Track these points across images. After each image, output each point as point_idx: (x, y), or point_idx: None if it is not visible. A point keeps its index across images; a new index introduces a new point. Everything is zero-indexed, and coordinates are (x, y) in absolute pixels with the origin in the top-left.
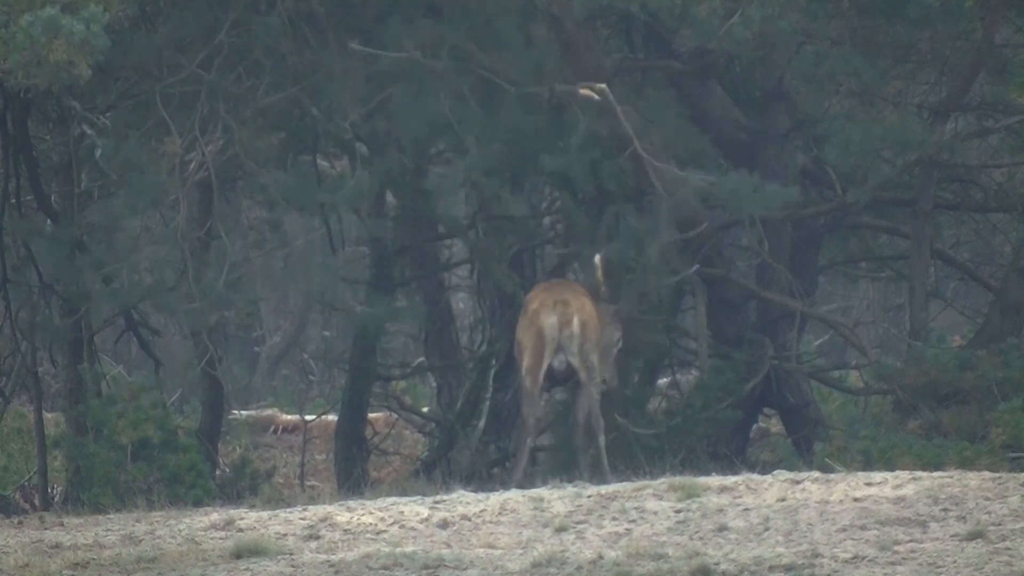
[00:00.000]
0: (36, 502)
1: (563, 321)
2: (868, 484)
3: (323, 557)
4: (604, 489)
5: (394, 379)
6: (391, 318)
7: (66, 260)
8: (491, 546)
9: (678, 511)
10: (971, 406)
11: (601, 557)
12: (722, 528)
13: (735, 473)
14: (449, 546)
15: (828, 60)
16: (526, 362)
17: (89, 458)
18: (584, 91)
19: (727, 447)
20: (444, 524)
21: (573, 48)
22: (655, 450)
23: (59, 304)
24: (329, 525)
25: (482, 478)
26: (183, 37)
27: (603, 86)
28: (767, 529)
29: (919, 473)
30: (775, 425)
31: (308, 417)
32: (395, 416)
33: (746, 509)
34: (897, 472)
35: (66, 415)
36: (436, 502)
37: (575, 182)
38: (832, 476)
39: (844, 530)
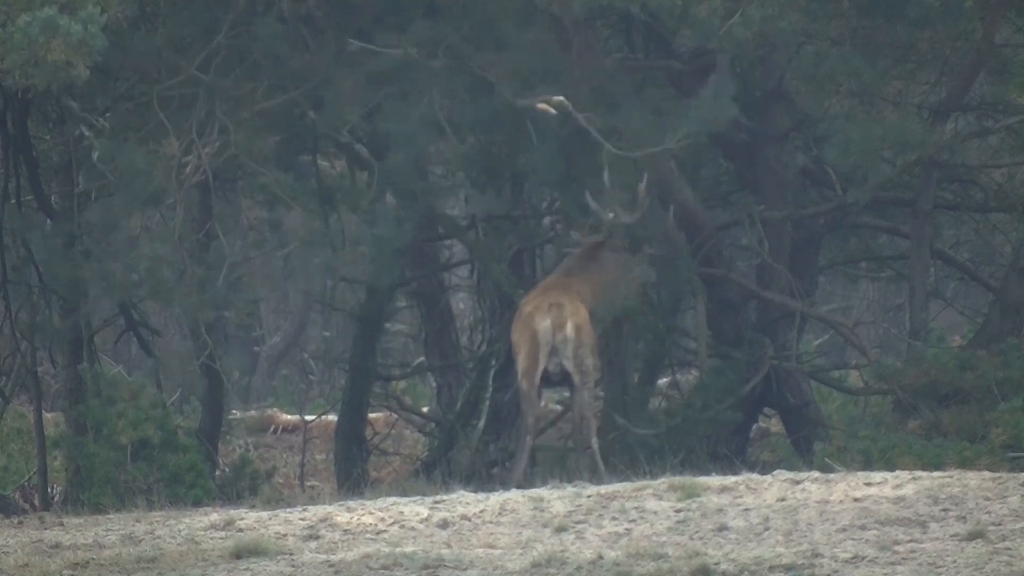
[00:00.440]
0: (36, 502)
1: (557, 325)
2: (868, 484)
3: (323, 557)
4: (604, 489)
5: (394, 379)
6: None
7: (65, 260)
8: (491, 546)
9: (678, 511)
10: (971, 406)
11: (601, 557)
12: (722, 528)
13: (735, 473)
14: (449, 546)
15: (828, 60)
16: (521, 365)
17: (89, 458)
18: (541, 105)
19: (727, 447)
20: (444, 524)
21: (573, 48)
22: (655, 450)
23: (59, 304)
24: (329, 525)
25: (482, 478)
26: (181, 38)
27: (561, 98)
28: (767, 529)
29: (919, 473)
30: (775, 425)
31: (308, 417)
32: (395, 416)
33: (746, 509)
34: (897, 472)
35: (66, 415)
36: (436, 502)
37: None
38: (832, 476)
39: (844, 530)
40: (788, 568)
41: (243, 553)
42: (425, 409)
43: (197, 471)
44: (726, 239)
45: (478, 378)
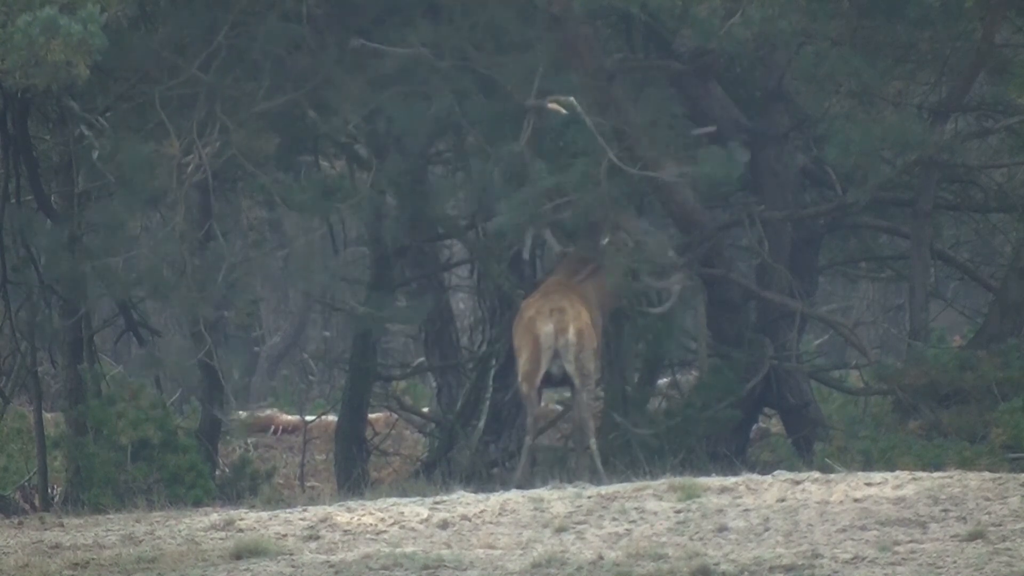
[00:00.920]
0: (36, 502)
1: (559, 329)
2: (868, 484)
3: (323, 557)
4: (604, 490)
5: (394, 379)
6: (391, 319)
7: (65, 260)
8: (491, 546)
9: (678, 511)
10: (971, 406)
11: (601, 557)
12: (722, 528)
13: (735, 473)
14: (449, 546)
15: (828, 60)
16: (523, 368)
17: (89, 458)
18: (552, 105)
19: (727, 447)
20: (444, 524)
21: (573, 48)
22: (655, 450)
23: (59, 304)
24: (329, 525)
25: (482, 478)
26: (182, 38)
27: (571, 99)
28: (767, 529)
29: (919, 473)
30: (775, 425)
31: (308, 417)
32: (395, 416)
33: (746, 509)
34: (897, 472)
35: (66, 415)
36: (436, 502)
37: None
38: (832, 476)
39: (844, 530)
40: (788, 568)
41: (243, 553)
42: (425, 409)
43: (197, 471)
44: (726, 239)
45: (478, 378)
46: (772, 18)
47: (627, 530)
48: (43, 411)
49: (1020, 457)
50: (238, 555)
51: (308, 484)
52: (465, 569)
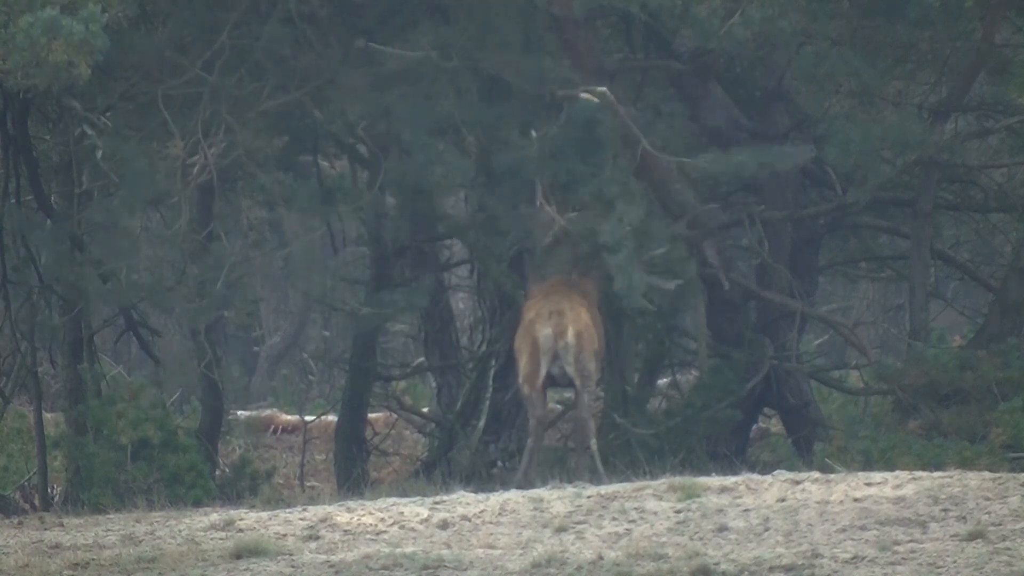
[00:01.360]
0: (36, 502)
1: (558, 332)
2: (868, 484)
3: (323, 557)
4: (604, 489)
5: (394, 379)
6: (391, 313)
7: (66, 260)
8: (491, 546)
9: (678, 511)
10: (971, 406)
11: (601, 557)
12: (722, 528)
13: (735, 473)
14: (449, 547)
15: (828, 60)
16: (523, 370)
17: (89, 458)
18: (585, 94)
19: (727, 447)
20: (444, 525)
21: (574, 48)
22: (655, 450)
23: (59, 304)
24: (329, 525)
25: (482, 478)
26: (184, 38)
27: (603, 89)
28: (767, 529)
29: (919, 473)
30: (775, 425)
31: (308, 417)
32: (395, 416)
33: (746, 509)
34: (897, 472)
35: (66, 415)
36: (436, 503)
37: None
38: (832, 476)
39: (844, 530)
40: (788, 568)
41: (243, 553)
42: (425, 409)
43: (197, 471)
44: (726, 239)
45: (478, 378)
46: (772, 18)
47: (627, 530)
48: (43, 411)
49: (1020, 457)
50: (238, 555)
51: (308, 484)
52: (465, 569)
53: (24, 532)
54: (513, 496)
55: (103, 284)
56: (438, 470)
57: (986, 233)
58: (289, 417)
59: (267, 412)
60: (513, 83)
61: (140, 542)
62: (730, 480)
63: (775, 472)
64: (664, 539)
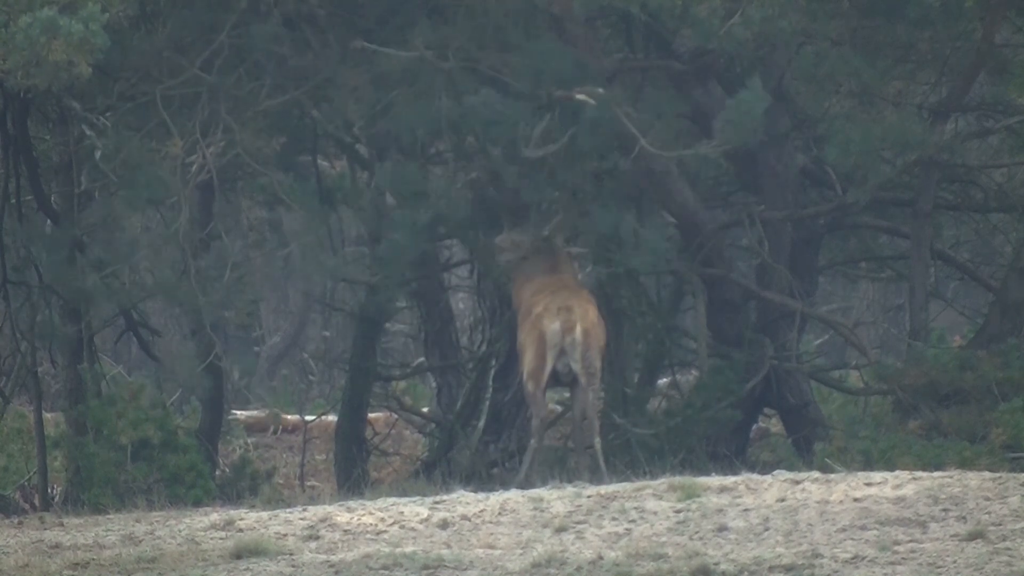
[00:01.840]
0: (36, 502)
1: (566, 327)
2: (868, 484)
3: (323, 557)
4: (604, 489)
5: (394, 379)
6: (394, 311)
7: (66, 260)
8: (491, 546)
9: (678, 511)
10: (971, 406)
11: (601, 557)
12: (722, 528)
13: (735, 473)
14: (449, 546)
15: (828, 60)
16: (528, 366)
17: (89, 458)
18: (580, 95)
19: (727, 447)
20: (444, 524)
21: (573, 49)
22: (655, 450)
23: (59, 304)
24: (329, 525)
25: (482, 478)
26: (183, 38)
27: (600, 90)
28: (767, 529)
29: (919, 473)
30: (775, 425)
31: (308, 417)
32: (395, 416)
33: (746, 509)
34: (897, 472)
35: (66, 415)
36: (436, 502)
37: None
38: (832, 476)
39: (844, 530)
40: (788, 568)
41: (243, 553)
42: (425, 409)
43: (197, 471)
44: (726, 239)
45: (478, 378)
46: (772, 18)
47: (627, 530)
48: (43, 411)
49: (1020, 457)
50: (238, 555)
51: (308, 484)
52: (465, 569)
53: (24, 532)
54: (513, 496)
55: (103, 284)
56: (438, 470)
57: (986, 233)
58: (289, 417)
59: (267, 412)
60: (512, 83)
61: (140, 542)
62: (730, 480)
63: (775, 472)
64: (664, 539)
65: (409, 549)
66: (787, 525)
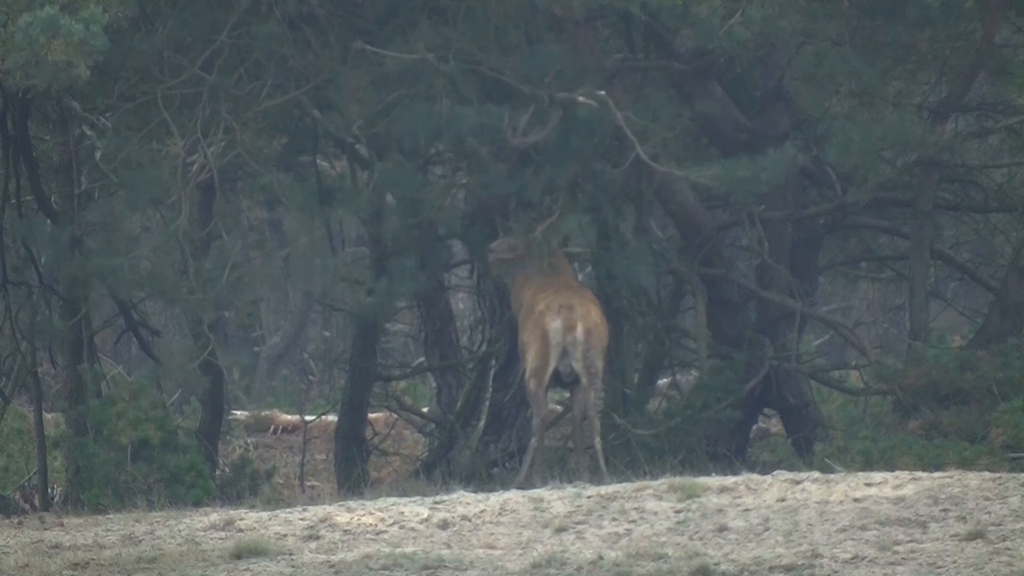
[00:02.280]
0: (36, 502)
1: (568, 326)
2: (868, 484)
3: (323, 557)
4: (604, 490)
5: (394, 379)
6: (391, 309)
7: (66, 260)
8: (491, 546)
9: (678, 511)
10: (971, 406)
11: (601, 557)
12: (722, 528)
13: (735, 473)
14: (449, 546)
15: (828, 60)
16: (531, 364)
17: (89, 458)
18: (582, 99)
19: (727, 447)
20: (444, 524)
21: (573, 49)
22: (655, 450)
23: (59, 304)
24: (329, 525)
25: (482, 478)
26: (183, 38)
27: (602, 92)
28: (767, 529)
29: (919, 473)
30: (775, 425)
31: (308, 417)
32: (395, 416)
33: (746, 509)
34: (897, 472)
35: (66, 415)
36: (436, 502)
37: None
38: (832, 476)
39: (844, 530)
40: (788, 568)
41: (243, 553)
42: (425, 409)
43: (197, 471)
44: (726, 239)
45: (478, 378)
46: (772, 18)
47: (627, 530)
48: (43, 411)
49: (1020, 457)
50: (238, 555)
51: (308, 484)
52: (465, 569)
53: (24, 532)
54: (513, 496)
55: (103, 283)
56: (438, 470)
57: (986, 233)
58: (289, 417)
59: (267, 412)
60: (512, 84)
61: (140, 542)
62: (730, 480)
63: (775, 472)
64: (664, 539)
65: (409, 549)
66: (787, 525)
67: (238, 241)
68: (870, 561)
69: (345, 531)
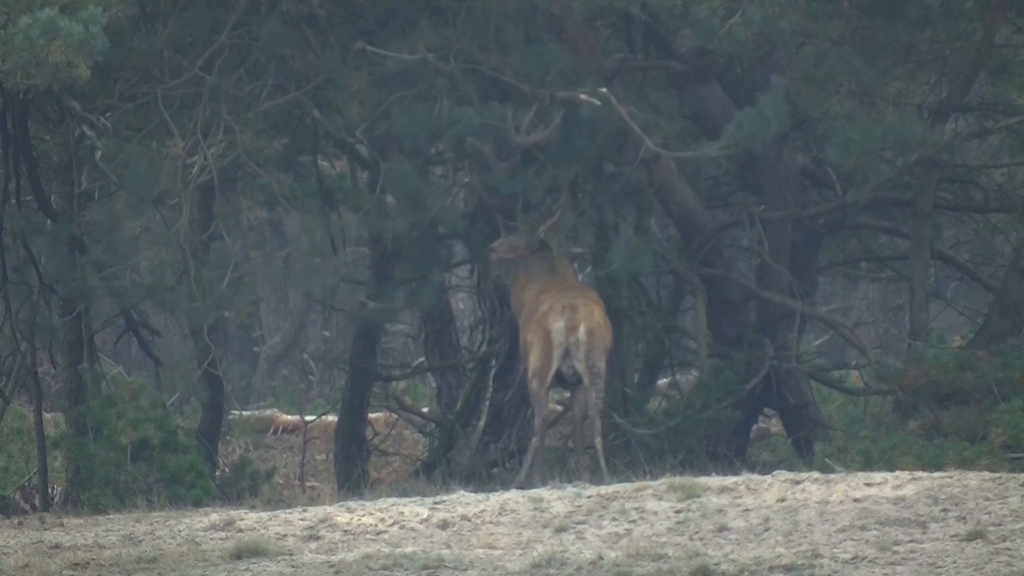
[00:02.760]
0: (36, 502)
1: (570, 326)
2: (868, 484)
3: (323, 558)
4: (604, 490)
5: (394, 379)
6: (395, 313)
7: (66, 260)
8: (491, 546)
9: (678, 511)
10: (971, 406)
11: (601, 557)
12: (722, 528)
13: (735, 473)
14: (449, 546)
15: (828, 60)
16: (533, 365)
17: (89, 458)
18: (585, 97)
19: (727, 447)
20: (444, 524)
21: (573, 49)
22: (655, 450)
23: (59, 304)
24: (329, 526)
25: (482, 478)
26: (183, 39)
27: (604, 90)
28: (767, 529)
29: (919, 473)
30: (775, 425)
31: (308, 417)
32: (395, 416)
33: (746, 509)
34: (897, 472)
35: (66, 415)
36: (436, 502)
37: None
38: (832, 476)
39: (844, 530)
40: (788, 568)
41: (243, 553)
42: (425, 409)
43: (197, 471)
44: (726, 239)
45: (478, 378)
46: (772, 18)
47: (627, 530)
48: (43, 411)
49: (1020, 457)
50: (238, 555)
51: (308, 484)
52: (465, 569)
53: (24, 532)
54: (513, 496)
55: (104, 284)
56: (438, 470)
57: (986, 233)
58: (289, 417)
59: (268, 412)
60: (513, 84)
61: (140, 542)
62: (730, 480)
63: (775, 472)
64: (664, 539)
65: (409, 549)
66: (787, 525)
67: (238, 242)
68: (870, 561)
69: (345, 531)
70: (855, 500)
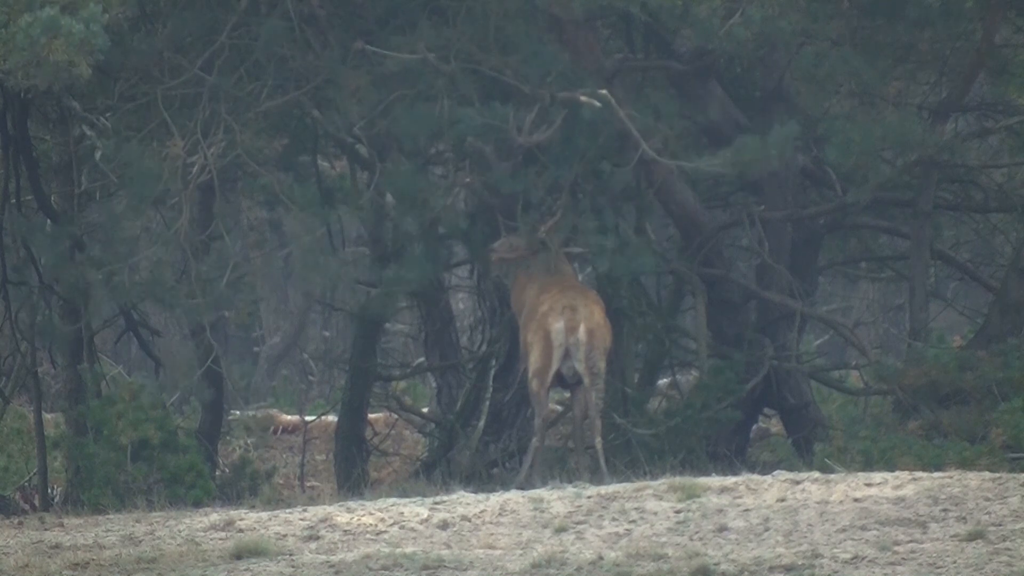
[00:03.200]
0: (36, 503)
1: (570, 327)
2: (868, 484)
3: (323, 558)
4: (604, 490)
5: (394, 379)
6: (394, 306)
7: (66, 260)
8: (491, 547)
9: (678, 511)
10: (971, 406)
11: (601, 558)
12: (722, 528)
13: (735, 473)
14: (449, 547)
15: (828, 60)
16: (533, 365)
17: (89, 458)
18: (585, 98)
19: (727, 447)
20: (444, 525)
21: (574, 49)
22: (655, 450)
23: (59, 304)
24: (329, 526)
25: (482, 479)
26: (183, 39)
27: (604, 92)
28: (767, 529)
29: (919, 473)
30: (775, 425)
31: (308, 417)
32: (395, 416)
33: (746, 509)
34: (897, 472)
35: (66, 415)
36: (436, 503)
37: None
38: (832, 476)
39: (844, 530)
40: (788, 568)
41: (243, 553)
42: (425, 409)
43: (197, 471)
44: (726, 239)
45: (478, 378)
46: (772, 18)
47: (627, 530)
48: (43, 411)
49: (1020, 457)
50: (238, 555)
51: (308, 484)
52: (465, 569)
53: (24, 532)
54: (513, 496)
55: (104, 284)
56: (438, 470)
57: (986, 233)
58: (289, 417)
59: (267, 412)
60: (513, 84)
61: (140, 542)
62: (730, 480)
63: (775, 472)
64: (664, 539)
65: (409, 549)
66: (787, 525)
67: (238, 241)
68: (870, 561)
69: (345, 531)
70: (855, 500)
